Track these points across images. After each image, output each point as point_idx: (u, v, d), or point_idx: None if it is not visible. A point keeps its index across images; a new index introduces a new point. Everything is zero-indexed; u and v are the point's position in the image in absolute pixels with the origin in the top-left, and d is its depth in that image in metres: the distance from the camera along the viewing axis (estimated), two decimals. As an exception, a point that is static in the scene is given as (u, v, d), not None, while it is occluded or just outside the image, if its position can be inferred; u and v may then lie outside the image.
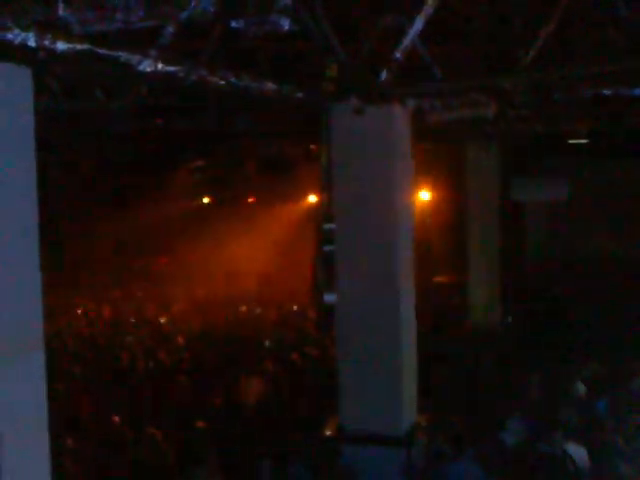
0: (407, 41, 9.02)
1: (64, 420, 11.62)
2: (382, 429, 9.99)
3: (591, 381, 11.86)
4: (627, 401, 11.00)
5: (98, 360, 16.94)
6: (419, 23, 8.80)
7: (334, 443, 10.27)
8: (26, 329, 5.92)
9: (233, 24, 7.53)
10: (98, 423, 12.28)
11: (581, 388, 11.64)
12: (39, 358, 6.05)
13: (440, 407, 11.54)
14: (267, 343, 17.96)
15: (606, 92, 11.50)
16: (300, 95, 9.28)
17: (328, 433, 10.41)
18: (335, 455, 10.02)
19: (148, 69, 6.82)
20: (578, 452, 9.17)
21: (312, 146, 17.11)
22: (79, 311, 23.97)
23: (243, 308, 23.66)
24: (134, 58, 6.67)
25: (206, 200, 28.84)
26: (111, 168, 22.27)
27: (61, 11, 6.35)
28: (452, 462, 9.30)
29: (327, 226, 10.25)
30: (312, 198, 25.22)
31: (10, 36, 5.50)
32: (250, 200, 28.44)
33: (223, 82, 7.88)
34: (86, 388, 14.46)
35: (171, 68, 7.13)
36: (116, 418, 11.99)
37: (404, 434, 10.02)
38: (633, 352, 13.28)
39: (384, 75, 9.41)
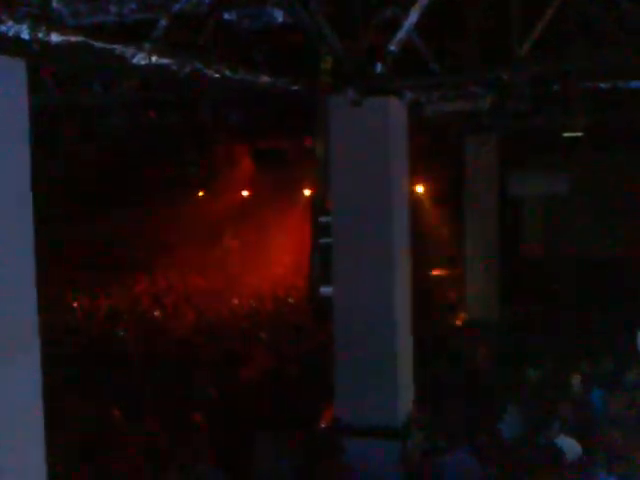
0: (402, 33, 9.01)
1: (61, 414, 11.63)
2: (378, 421, 9.99)
3: (587, 375, 11.86)
4: (622, 396, 11.01)
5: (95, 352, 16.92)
6: (414, 15, 8.78)
7: (334, 437, 10.26)
8: (21, 326, 5.91)
9: (226, 16, 7.51)
10: (96, 416, 12.27)
11: (577, 382, 11.64)
12: (34, 355, 6.04)
13: (437, 400, 11.54)
14: (262, 335, 17.95)
15: (604, 85, 11.50)
16: (296, 88, 9.26)
17: (324, 425, 10.41)
18: (333, 449, 10.01)
19: (142, 62, 6.80)
20: (571, 446, 9.17)
21: (308, 139, 17.08)
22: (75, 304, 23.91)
23: (238, 301, 23.62)
24: (128, 51, 6.66)
25: (200, 194, 28.76)
26: (104, 161, 22.23)
27: (55, 3, 6.34)
28: (448, 454, 9.31)
29: (323, 219, 10.23)
30: (307, 191, 25.20)
31: (3, 28, 5.49)
32: (245, 194, 28.37)
33: (218, 75, 7.86)
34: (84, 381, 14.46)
35: (165, 61, 7.11)
36: (115, 411, 11.99)
37: (400, 426, 10.02)
38: (629, 347, 13.28)
39: (380, 68, 9.39)
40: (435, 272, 22.91)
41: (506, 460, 9.17)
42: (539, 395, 11.37)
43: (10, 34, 5.55)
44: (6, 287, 5.75)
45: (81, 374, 14.99)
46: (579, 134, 17.27)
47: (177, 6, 6.81)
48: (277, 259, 26.65)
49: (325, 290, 10.20)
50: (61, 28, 6.05)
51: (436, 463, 9.37)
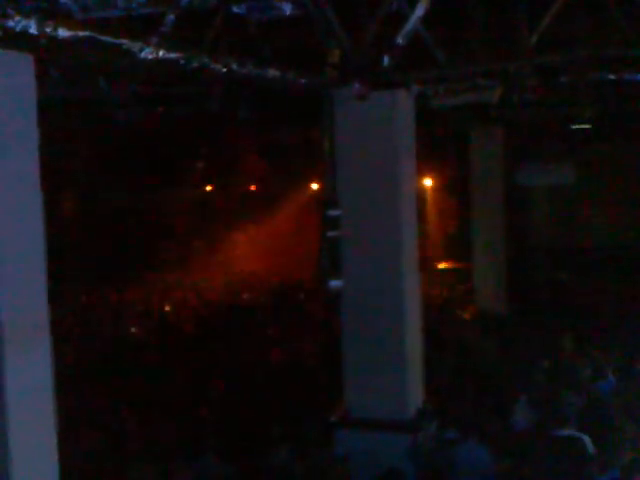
0: (409, 26, 8.99)
1: (72, 407, 11.67)
2: (388, 414, 9.99)
3: (597, 365, 11.83)
4: (633, 385, 10.99)
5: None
6: (421, 8, 8.77)
7: (328, 429, 10.28)
8: (32, 316, 5.94)
9: (235, 10, 7.50)
10: (105, 411, 12.33)
11: (587, 372, 11.62)
12: (45, 345, 6.07)
13: (447, 392, 11.54)
14: (271, 330, 17.99)
15: (611, 77, 11.47)
16: (303, 81, 9.25)
17: (334, 418, 10.42)
18: (327, 441, 10.02)
19: (150, 56, 6.79)
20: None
21: (315, 132, 17.06)
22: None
23: (247, 295, 23.65)
24: (136, 45, 6.65)
25: (208, 188, 28.74)
26: (113, 155, 22.25)
27: (62, -2, 6.34)
28: (459, 446, 9.30)
29: (331, 212, 10.21)
30: (315, 185, 25.18)
31: (11, 23, 5.49)
32: (253, 187, 28.34)
33: (225, 69, 7.85)
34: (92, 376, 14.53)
35: (173, 55, 7.10)
36: (123, 408, 12.05)
37: (410, 419, 10.03)
38: (639, 336, 13.24)
39: (387, 60, 9.37)
40: (443, 264, 22.88)
41: (518, 451, 9.16)
42: (550, 386, 11.35)
43: (18, 29, 5.56)
44: (17, 278, 5.78)
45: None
46: (586, 126, 17.25)
47: (185, 0, 6.79)
48: (286, 252, 26.62)
49: (335, 283, 10.20)
50: (69, 23, 6.05)
51: (448, 454, 9.37)
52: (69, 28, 5.93)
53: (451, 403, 10.90)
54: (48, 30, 5.73)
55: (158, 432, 11.19)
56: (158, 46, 6.87)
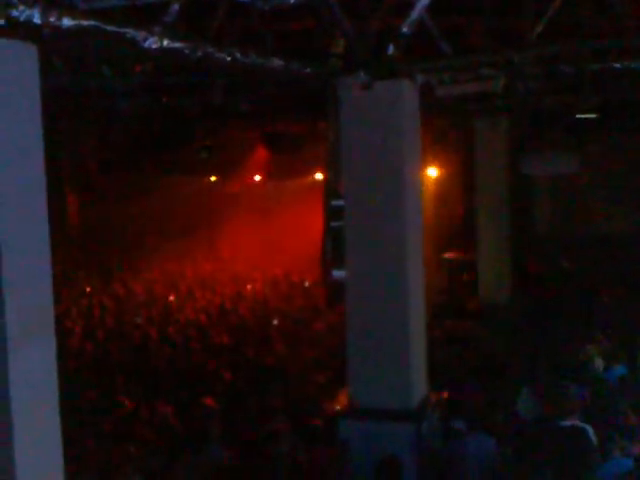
0: (414, 15, 8.96)
1: (77, 398, 11.72)
2: (392, 404, 9.99)
3: (603, 355, 11.82)
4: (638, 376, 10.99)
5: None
6: (426, -3, 8.74)
7: (331, 418, 10.30)
8: (37, 311, 5.94)
9: (239, -1, 7.47)
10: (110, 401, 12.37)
11: (594, 363, 11.61)
12: (50, 339, 6.08)
13: (451, 383, 11.55)
14: (275, 321, 18.01)
15: (616, 66, 11.43)
16: (307, 71, 9.23)
17: (338, 408, 10.43)
18: (330, 430, 10.04)
19: (154, 46, 6.78)
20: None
21: (320, 122, 17.03)
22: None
23: (250, 285, 23.66)
24: (140, 35, 6.64)
25: (213, 178, 28.70)
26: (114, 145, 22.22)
27: (66, -13, 6.33)
28: (466, 436, 9.32)
29: (335, 202, 10.21)
30: (320, 175, 25.09)
31: (15, 13, 5.48)
32: (257, 178, 28.28)
33: (229, 59, 7.84)
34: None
35: (177, 45, 7.09)
36: (125, 400, 12.08)
37: (414, 409, 10.03)
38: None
39: (392, 50, 9.35)
40: (447, 254, 22.83)
41: (524, 441, 9.17)
42: (553, 377, 11.35)
43: (22, 19, 5.55)
44: (22, 272, 5.78)
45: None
46: (591, 115, 17.21)
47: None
48: (290, 243, 26.64)
49: (338, 273, 10.20)
50: (72, 12, 6.04)
51: (456, 445, 9.39)
52: (73, 17, 5.93)
53: (455, 394, 10.91)
54: (52, 19, 5.72)
55: (164, 422, 11.23)
56: (162, 35, 6.86)
